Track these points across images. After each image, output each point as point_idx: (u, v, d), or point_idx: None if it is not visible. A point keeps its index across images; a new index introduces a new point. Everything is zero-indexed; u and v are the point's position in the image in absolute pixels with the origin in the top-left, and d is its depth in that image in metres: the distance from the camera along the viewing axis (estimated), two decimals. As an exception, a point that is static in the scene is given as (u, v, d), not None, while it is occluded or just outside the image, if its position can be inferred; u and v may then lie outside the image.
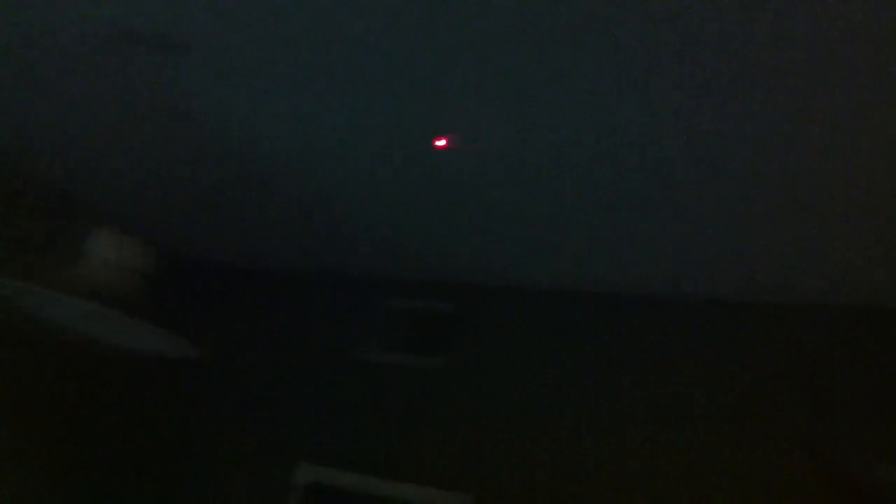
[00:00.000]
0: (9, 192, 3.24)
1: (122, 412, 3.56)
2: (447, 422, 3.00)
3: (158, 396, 3.62)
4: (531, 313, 3.06)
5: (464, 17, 1.82)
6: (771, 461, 2.54)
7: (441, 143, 2.64)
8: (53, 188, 3.33)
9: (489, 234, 2.82)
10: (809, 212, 2.32)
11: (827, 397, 2.59)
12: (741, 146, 2.06)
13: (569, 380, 2.88)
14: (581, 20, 1.77)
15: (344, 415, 3.22)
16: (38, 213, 3.31)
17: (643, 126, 2.02)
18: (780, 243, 2.50)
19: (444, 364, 3.08)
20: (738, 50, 1.81)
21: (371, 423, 3.14)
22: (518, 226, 2.69)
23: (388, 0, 1.87)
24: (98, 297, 2.18)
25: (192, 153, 2.79)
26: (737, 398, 2.68)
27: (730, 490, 2.50)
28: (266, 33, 2.04)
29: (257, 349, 3.57)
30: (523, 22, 1.81)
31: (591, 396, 2.82)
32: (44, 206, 3.33)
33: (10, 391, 3.23)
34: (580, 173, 2.32)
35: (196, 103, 2.44)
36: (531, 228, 2.69)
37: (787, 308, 2.76)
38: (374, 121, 2.33)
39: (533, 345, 3.01)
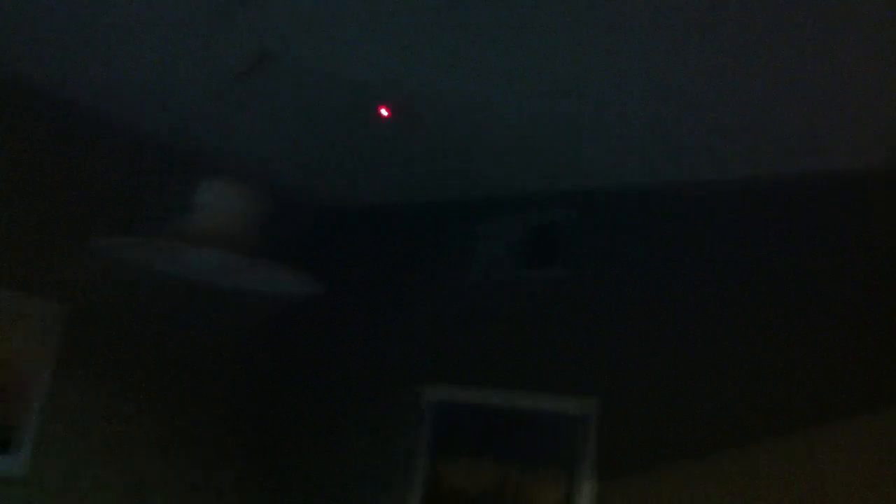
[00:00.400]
0: (120, 152, 3.33)
1: (258, 349, 3.71)
2: (568, 330, 3.03)
3: (290, 333, 3.79)
4: (650, 213, 3.01)
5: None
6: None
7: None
8: (161, 144, 3.42)
9: (596, 135, 2.76)
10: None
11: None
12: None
13: (693, 279, 2.84)
14: None
15: (467, 333, 3.29)
16: (149, 170, 3.40)
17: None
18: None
19: (562, 274, 3.11)
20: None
21: (493, 339, 3.20)
22: (625, 122, 2.64)
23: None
24: (221, 245, 2.26)
25: (296, 96, 2.82)
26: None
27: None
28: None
29: (379, 281, 3.65)
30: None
31: (716, 295, 2.78)
32: (154, 162, 3.41)
33: (151, 344, 3.41)
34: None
35: (295, 45, 2.48)
36: (639, 124, 2.62)
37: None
38: (478, 41, 2.33)
39: (653, 245, 2.96)
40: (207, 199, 2.35)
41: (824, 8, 1.94)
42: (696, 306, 2.80)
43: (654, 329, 2.86)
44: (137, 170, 3.40)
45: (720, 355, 2.72)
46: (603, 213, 3.09)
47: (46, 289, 3.11)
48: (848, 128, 2.49)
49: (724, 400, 2.66)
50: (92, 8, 2.48)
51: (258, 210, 2.36)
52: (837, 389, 2.49)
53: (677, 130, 2.64)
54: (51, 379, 3.08)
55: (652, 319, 2.88)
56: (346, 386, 3.60)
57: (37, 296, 3.07)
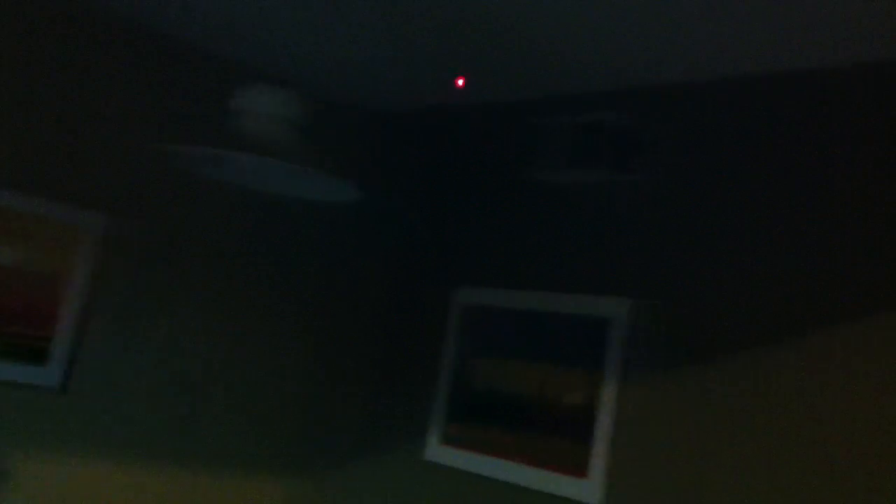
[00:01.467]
0: (163, 59, 3.30)
1: (294, 255, 3.71)
2: (610, 233, 2.99)
3: (328, 238, 3.79)
4: (705, 110, 2.89)
5: None
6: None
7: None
8: (203, 49, 3.37)
9: (654, 27, 2.59)
10: None
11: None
12: None
13: (738, 183, 2.71)
14: None
15: (509, 237, 3.29)
16: (193, 77, 3.37)
17: None
18: None
19: (607, 175, 3.08)
20: None
21: (534, 242, 3.20)
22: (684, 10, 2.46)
23: None
24: (265, 151, 2.28)
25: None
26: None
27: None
28: None
29: (427, 185, 3.67)
30: None
31: (780, 195, 2.64)
32: (199, 68, 3.39)
33: (195, 255, 3.40)
34: None
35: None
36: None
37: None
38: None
39: (707, 144, 2.84)
40: (251, 105, 2.36)
41: None
42: (743, 213, 2.70)
43: (696, 233, 2.78)
44: (181, 76, 3.33)
45: (765, 261, 2.62)
46: (655, 113, 2.99)
47: (83, 197, 3.07)
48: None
49: (763, 309, 2.58)
50: None
51: (304, 115, 2.37)
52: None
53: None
54: (87, 292, 3.06)
55: (696, 223, 2.79)
56: (396, 288, 3.63)
57: (73, 204, 3.04)
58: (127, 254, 3.20)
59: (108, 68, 3.17)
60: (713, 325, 2.66)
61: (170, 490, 3.29)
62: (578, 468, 2.77)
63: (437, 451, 3.21)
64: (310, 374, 3.71)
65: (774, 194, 2.67)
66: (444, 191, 3.60)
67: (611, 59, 2.92)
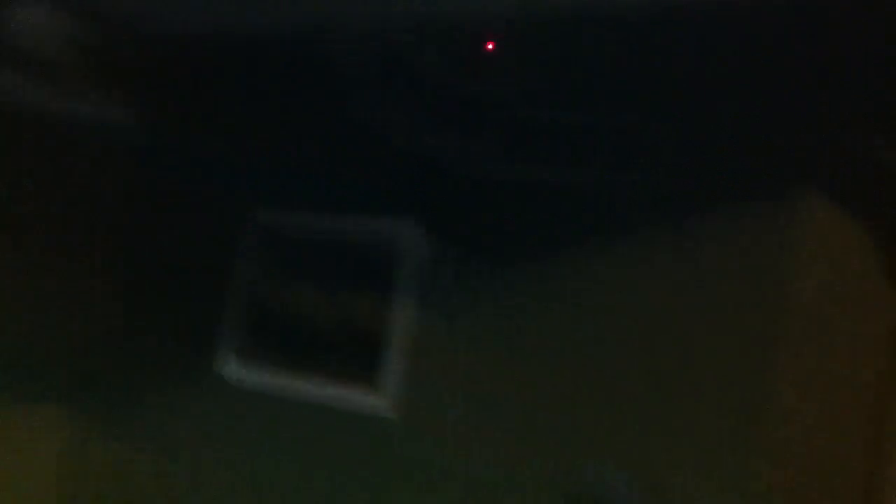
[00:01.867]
0: None
1: (79, 179, 3.41)
2: (410, 157, 2.91)
3: (109, 160, 3.49)
4: None
5: None
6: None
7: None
8: None
9: None
10: None
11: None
12: None
13: None
14: None
15: (309, 161, 3.18)
16: None
17: None
18: None
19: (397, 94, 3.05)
20: None
21: (332, 167, 3.11)
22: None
23: None
24: (35, 68, 2.17)
25: None
26: None
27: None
28: None
29: (224, 108, 3.42)
30: None
31: None
32: None
33: None
34: None
35: None
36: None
37: None
38: None
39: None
40: (22, 22, 2.23)
41: None
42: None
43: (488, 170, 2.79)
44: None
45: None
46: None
47: None
48: None
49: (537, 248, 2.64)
50: None
51: (81, 35, 2.26)
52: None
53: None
54: None
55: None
56: (187, 209, 3.44)
57: None
58: None
59: None
60: (501, 251, 2.79)
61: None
62: (372, 384, 2.89)
63: (235, 371, 3.24)
64: (92, 300, 3.53)
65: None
66: (240, 115, 3.52)
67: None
